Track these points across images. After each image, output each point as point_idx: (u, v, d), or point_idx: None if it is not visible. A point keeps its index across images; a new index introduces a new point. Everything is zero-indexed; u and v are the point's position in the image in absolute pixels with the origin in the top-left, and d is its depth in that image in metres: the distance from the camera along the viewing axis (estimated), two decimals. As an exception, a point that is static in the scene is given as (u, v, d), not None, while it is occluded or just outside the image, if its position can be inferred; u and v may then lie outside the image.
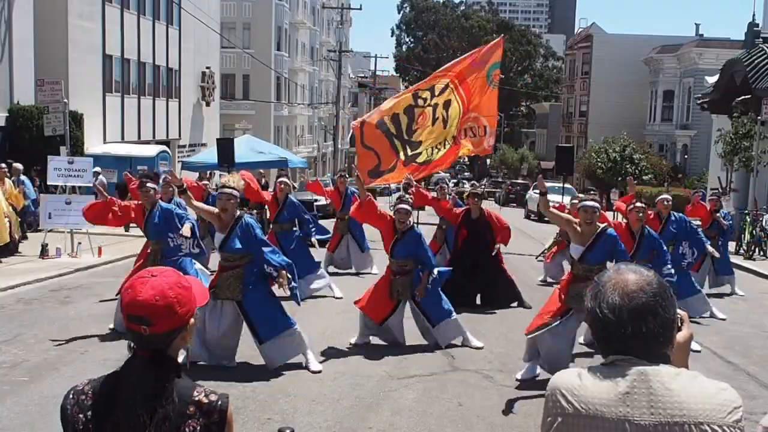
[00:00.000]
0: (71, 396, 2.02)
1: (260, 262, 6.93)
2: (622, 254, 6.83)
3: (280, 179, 11.75)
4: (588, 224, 6.76)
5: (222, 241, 6.94)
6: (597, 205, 6.92)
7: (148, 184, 8.35)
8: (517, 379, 7.00)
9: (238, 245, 6.88)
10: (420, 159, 11.00)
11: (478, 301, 10.45)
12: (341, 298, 10.65)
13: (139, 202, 8.59)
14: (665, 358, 1.86)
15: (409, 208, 8.04)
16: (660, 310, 1.83)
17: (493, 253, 10.58)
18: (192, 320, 2.08)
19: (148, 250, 8.48)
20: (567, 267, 8.66)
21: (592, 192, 11.15)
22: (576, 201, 13.48)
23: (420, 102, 11.30)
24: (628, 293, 1.85)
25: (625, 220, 9.05)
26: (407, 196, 8.95)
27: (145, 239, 8.86)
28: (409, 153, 11.14)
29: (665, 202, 10.35)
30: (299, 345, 7.06)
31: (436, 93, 11.36)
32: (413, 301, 7.99)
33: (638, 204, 8.76)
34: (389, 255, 8.05)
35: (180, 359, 2.11)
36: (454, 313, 8.13)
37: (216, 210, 7.08)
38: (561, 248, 12.22)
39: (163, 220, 8.21)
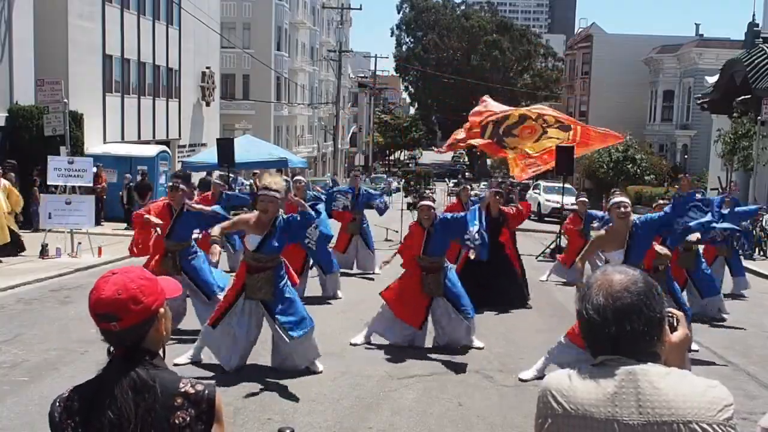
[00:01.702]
0: (57, 404, 2.04)
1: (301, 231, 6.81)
2: (664, 219, 6.80)
3: (296, 178, 11.71)
4: (622, 219, 6.60)
5: (260, 243, 6.72)
6: (627, 200, 6.83)
7: (180, 186, 8.12)
8: (520, 379, 6.97)
9: (277, 244, 6.76)
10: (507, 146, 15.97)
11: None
12: (340, 298, 10.66)
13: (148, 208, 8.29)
14: (655, 357, 1.87)
15: (431, 203, 7.97)
16: (645, 309, 1.84)
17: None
18: (162, 310, 2.09)
19: (163, 252, 8.13)
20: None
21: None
22: (585, 200, 13.60)
23: (532, 122, 16.07)
24: (612, 294, 1.86)
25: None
26: (428, 191, 8.84)
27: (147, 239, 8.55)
28: (495, 139, 15.91)
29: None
30: (316, 346, 7.00)
31: (554, 124, 15.82)
32: (445, 297, 7.89)
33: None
34: (422, 254, 7.86)
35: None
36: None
37: (244, 218, 6.93)
38: (574, 248, 12.21)
39: (189, 222, 8.13)
